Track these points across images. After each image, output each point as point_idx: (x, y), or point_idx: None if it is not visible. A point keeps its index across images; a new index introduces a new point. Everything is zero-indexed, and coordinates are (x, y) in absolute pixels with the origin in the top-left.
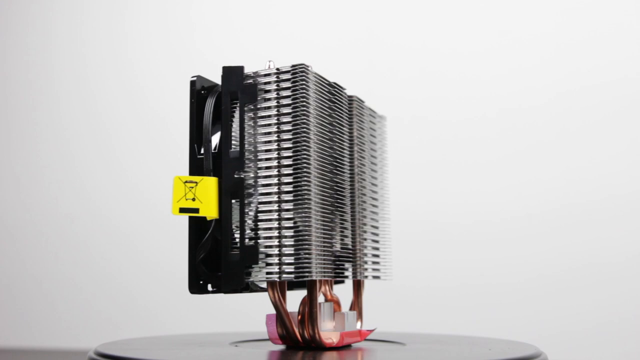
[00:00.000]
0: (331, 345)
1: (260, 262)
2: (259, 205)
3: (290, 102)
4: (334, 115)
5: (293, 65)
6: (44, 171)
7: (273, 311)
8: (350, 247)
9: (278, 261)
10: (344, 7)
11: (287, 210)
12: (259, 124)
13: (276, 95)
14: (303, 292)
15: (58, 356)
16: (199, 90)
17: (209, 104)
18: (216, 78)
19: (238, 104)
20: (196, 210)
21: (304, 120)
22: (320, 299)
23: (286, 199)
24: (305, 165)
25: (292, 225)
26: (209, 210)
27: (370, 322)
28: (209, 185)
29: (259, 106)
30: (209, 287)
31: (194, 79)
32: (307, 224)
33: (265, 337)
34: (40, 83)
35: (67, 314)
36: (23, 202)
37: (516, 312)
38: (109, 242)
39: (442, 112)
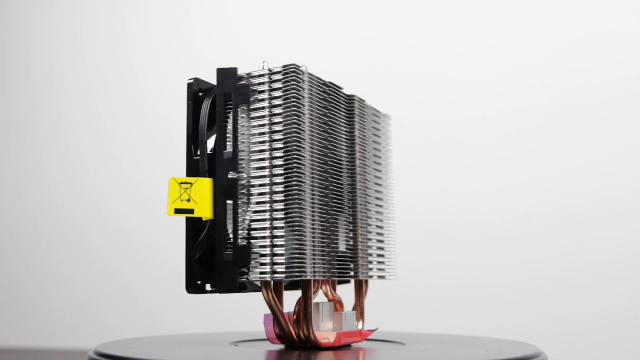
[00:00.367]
0: (328, 345)
1: (253, 262)
2: (252, 206)
3: (282, 102)
4: (329, 114)
5: (284, 66)
6: (44, 171)
7: None
8: (351, 247)
9: (270, 261)
10: (345, 6)
11: (279, 210)
12: (252, 124)
13: (268, 96)
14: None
15: (58, 356)
16: (197, 92)
17: (206, 106)
18: (215, 79)
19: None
20: (191, 211)
21: (295, 120)
22: (322, 299)
23: (278, 199)
24: (296, 165)
25: (283, 225)
26: (204, 211)
27: (371, 322)
28: (203, 186)
29: (252, 107)
30: (208, 287)
31: (191, 81)
32: (298, 224)
33: (265, 337)
34: (40, 83)
35: (67, 314)
36: (23, 202)
37: (516, 312)
38: (109, 242)
39: (442, 112)
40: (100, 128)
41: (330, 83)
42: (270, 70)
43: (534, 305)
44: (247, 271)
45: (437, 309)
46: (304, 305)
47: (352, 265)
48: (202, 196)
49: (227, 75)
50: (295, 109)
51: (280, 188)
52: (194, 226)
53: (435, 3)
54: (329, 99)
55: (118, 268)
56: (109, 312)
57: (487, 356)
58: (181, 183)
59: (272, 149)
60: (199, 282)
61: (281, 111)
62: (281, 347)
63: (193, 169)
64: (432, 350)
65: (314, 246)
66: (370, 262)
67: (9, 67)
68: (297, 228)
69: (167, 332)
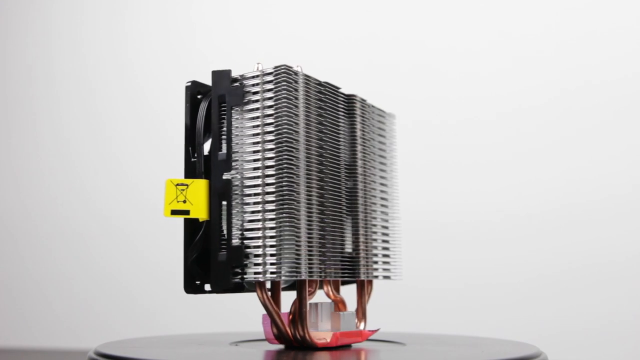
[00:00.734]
0: (324, 345)
1: (247, 262)
2: (246, 206)
3: (273, 103)
4: (326, 114)
5: (276, 67)
6: (44, 171)
7: None
8: (351, 247)
9: (261, 261)
10: (345, 6)
11: (271, 210)
12: (245, 125)
13: (259, 97)
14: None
15: (58, 356)
16: (194, 95)
17: (202, 108)
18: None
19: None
20: (187, 212)
21: (286, 121)
22: (324, 299)
23: (270, 199)
24: (287, 165)
25: (275, 225)
26: (199, 212)
27: (372, 323)
28: (199, 188)
29: (245, 108)
30: (207, 287)
31: (189, 84)
32: (290, 224)
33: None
34: (40, 83)
35: (67, 314)
36: (23, 202)
37: (516, 312)
38: (109, 242)
39: (443, 112)
40: (100, 128)
41: (326, 83)
42: (261, 71)
43: (534, 305)
44: (240, 271)
45: (437, 309)
46: (299, 305)
47: (352, 266)
48: (197, 197)
49: (221, 76)
50: (286, 109)
51: (272, 188)
52: (192, 227)
53: (436, 3)
54: (324, 99)
55: (118, 268)
56: (109, 312)
57: (487, 356)
58: (177, 184)
59: (265, 150)
60: (198, 282)
61: (272, 112)
62: (280, 347)
63: (190, 171)
64: (432, 350)
65: (309, 246)
66: (374, 262)
67: (9, 67)
68: (289, 228)
69: (167, 332)
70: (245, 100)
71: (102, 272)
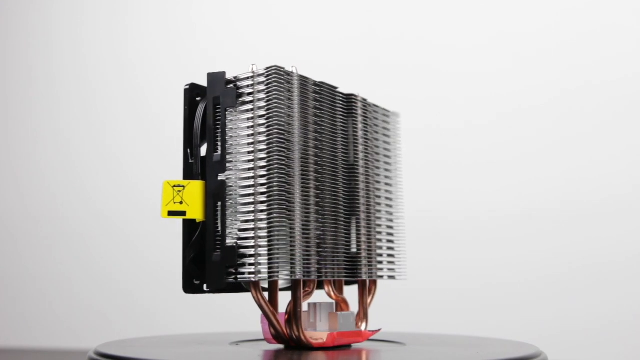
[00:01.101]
0: (320, 345)
1: (240, 262)
2: (239, 207)
3: (264, 104)
4: (322, 114)
5: (267, 67)
6: (44, 171)
7: None
8: (352, 247)
9: (253, 262)
10: (346, 5)
11: (262, 211)
12: (239, 127)
13: (251, 99)
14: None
15: (58, 356)
16: (193, 97)
17: (200, 110)
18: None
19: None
20: (183, 213)
21: (277, 121)
22: (321, 298)
23: (261, 200)
24: (277, 165)
25: (266, 225)
26: (196, 213)
27: (373, 323)
28: (195, 189)
29: (239, 110)
30: (205, 287)
31: (187, 87)
32: (281, 224)
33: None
34: (40, 83)
35: (67, 314)
36: (23, 202)
37: (516, 312)
38: (109, 242)
39: (444, 112)
40: (100, 128)
41: (321, 82)
42: (254, 72)
43: (534, 305)
44: (234, 271)
45: (437, 309)
46: (293, 305)
47: (353, 266)
48: (193, 198)
49: (216, 79)
50: (277, 109)
51: (264, 189)
52: (190, 227)
53: (437, 3)
54: (321, 99)
55: (118, 268)
56: (109, 312)
57: (487, 356)
58: (174, 186)
59: (257, 150)
60: (196, 282)
61: (264, 112)
62: (279, 347)
63: (188, 172)
64: (432, 350)
65: (305, 246)
66: (379, 262)
67: (9, 68)
68: (281, 229)
69: (167, 332)
70: (239, 102)
71: (102, 272)
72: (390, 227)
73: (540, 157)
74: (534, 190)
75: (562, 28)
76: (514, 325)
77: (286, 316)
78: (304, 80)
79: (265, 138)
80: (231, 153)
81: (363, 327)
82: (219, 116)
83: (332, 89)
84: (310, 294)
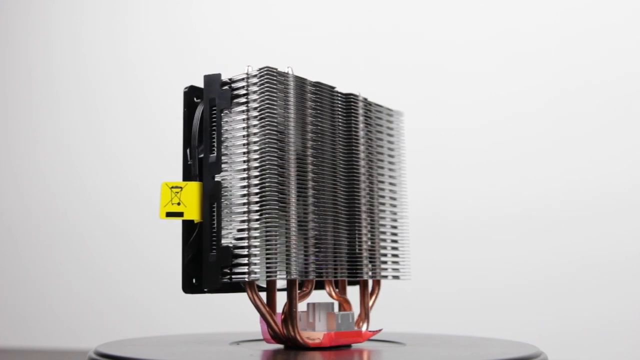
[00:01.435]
0: (316, 345)
1: (234, 262)
2: (234, 208)
3: (257, 105)
4: (318, 114)
5: (259, 69)
6: (44, 171)
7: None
8: (351, 247)
9: (247, 262)
10: (347, 5)
11: (255, 211)
12: (234, 128)
13: (245, 100)
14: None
15: (58, 356)
16: (192, 99)
17: (198, 112)
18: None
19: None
20: (181, 214)
21: (269, 122)
22: (322, 299)
23: (254, 200)
24: (269, 165)
25: (259, 226)
26: (193, 213)
27: (373, 323)
28: (192, 190)
29: (234, 111)
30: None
31: (187, 89)
32: (273, 225)
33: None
34: (40, 83)
35: (67, 314)
36: (23, 202)
37: (516, 312)
38: (109, 243)
39: (443, 112)
40: (100, 128)
41: (318, 82)
42: (247, 74)
43: (534, 305)
44: (229, 271)
45: (437, 309)
46: (289, 305)
47: (353, 266)
48: (191, 199)
49: (212, 80)
50: (268, 110)
51: (256, 189)
52: (189, 228)
53: (438, 3)
54: (317, 99)
55: (118, 268)
56: (109, 312)
57: (487, 356)
58: (172, 187)
59: (250, 151)
60: (196, 283)
61: (257, 114)
62: (279, 346)
63: (187, 173)
64: (432, 350)
65: (304, 246)
66: (377, 262)
67: (9, 68)
68: (273, 229)
69: (167, 332)
70: (234, 103)
71: (102, 272)
72: (395, 227)
73: (541, 157)
74: (535, 191)
75: (562, 28)
76: (514, 325)
77: (282, 316)
78: (299, 80)
79: (257, 139)
80: (227, 154)
81: (364, 328)
82: (215, 118)
83: (330, 88)
84: (308, 294)
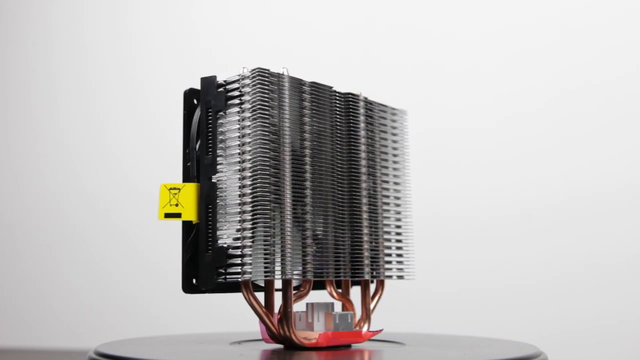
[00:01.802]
0: (312, 345)
1: (228, 262)
2: (229, 208)
3: (250, 106)
4: (315, 114)
5: (252, 70)
6: (44, 171)
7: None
8: (351, 247)
9: (240, 262)
10: (348, 4)
11: (248, 212)
12: (229, 129)
13: (239, 101)
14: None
15: (58, 356)
16: (191, 101)
17: (197, 114)
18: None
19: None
20: (179, 215)
21: (260, 123)
22: (324, 299)
23: (247, 200)
24: (260, 166)
25: (252, 226)
26: (190, 214)
27: (373, 323)
28: (190, 191)
29: (228, 112)
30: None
31: (186, 91)
32: (265, 225)
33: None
34: (40, 83)
35: (67, 314)
36: (23, 202)
37: (516, 312)
38: (109, 243)
39: (443, 112)
40: (100, 128)
41: (314, 82)
42: (241, 75)
43: (534, 305)
44: (224, 272)
45: (437, 309)
46: (284, 305)
47: (353, 266)
48: (188, 200)
49: (208, 83)
50: (260, 111)
51: (249, 190)
52: (188, 228)
53: (440, 4)
54: (314, 99)
55: (118, 268)
56: (109, 312)
57: (486, 356)
58: (170, 188)
59: (243, 152)
60: (195, 283)
61: (250, 114)
62: (279, 346)
63: (186, 175)
64: (432, 350)
65: (298, 246)
66: (381, 262)
67: (9, 68)
68: (265, 229)
69: (167, 332)
70: (229, 105)
71: (102, 272)
72: (399, 227)
73: (541, 157)
74: (535, 191)
75: (562, 28)
76: (514, 325)
77: (278, 316)
78: (295, 80)
79: (250, 139)
80: (222, 155)
81: (365, 328)
82: (211, 119)
83: (327, 88)
84: (306, 294)
